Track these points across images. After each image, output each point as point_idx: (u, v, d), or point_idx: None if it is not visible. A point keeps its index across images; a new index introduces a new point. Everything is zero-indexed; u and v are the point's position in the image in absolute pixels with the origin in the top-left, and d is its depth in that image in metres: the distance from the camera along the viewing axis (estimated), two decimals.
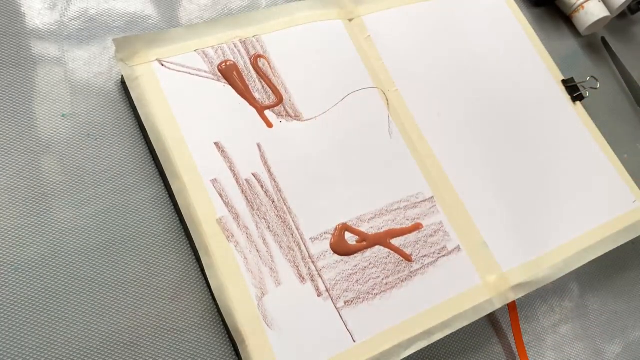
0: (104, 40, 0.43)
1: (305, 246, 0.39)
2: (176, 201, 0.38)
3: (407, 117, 0.46)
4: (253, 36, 0.44)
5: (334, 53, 0.46)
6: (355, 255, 0.40)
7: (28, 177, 0.37)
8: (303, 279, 0.38)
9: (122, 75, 0.40)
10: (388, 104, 0.46)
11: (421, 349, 0.38)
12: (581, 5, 0.57)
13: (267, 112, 0.42)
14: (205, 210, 0.38)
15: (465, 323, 0.40)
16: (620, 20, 0.63)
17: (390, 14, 0.50)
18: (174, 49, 0.42)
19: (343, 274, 0.39)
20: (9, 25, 0.41)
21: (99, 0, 0.44)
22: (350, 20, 0.48)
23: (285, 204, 0.40)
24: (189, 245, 0.39)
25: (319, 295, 0.38)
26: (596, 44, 0.60)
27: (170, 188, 0.38)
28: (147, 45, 0.41)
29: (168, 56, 0.41)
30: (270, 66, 0.44)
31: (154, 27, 0.44)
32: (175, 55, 0.42)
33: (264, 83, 0.43)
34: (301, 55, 0.45)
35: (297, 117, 0.43)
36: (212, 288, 0.36)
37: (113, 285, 0.36)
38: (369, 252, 0.40)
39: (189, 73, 0.41)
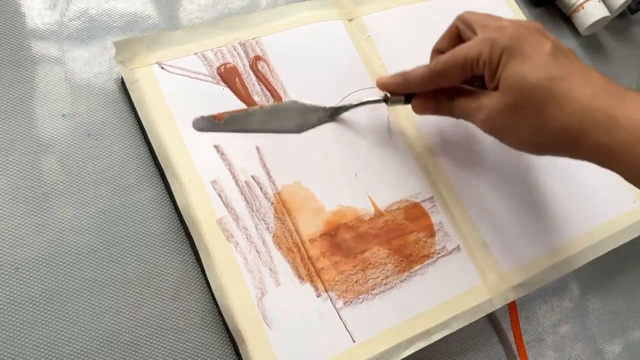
0: (104, 40, 0.43)
1: (304, 247, 0.39)
2: (176, 201, 0.38)
3: (407, 117, 0.46)
4: (252, 38, 0.44)
5: (334, 53, 0.46)
6: (355, 255, 0.40)
7: (28, 177, 0.37)
8: (302, 279, 0.38)
9: (122, 76, 0.41)
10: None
11: (421, 349, 0.38)
12: (581, 5, 0.56)
13: None
14: (205, 210, 0.38)
15: (465, 323, 0.40)
16: (620, 20, 0.63)
17: (390, 14, 0.50)
18: (174, 52, 0.42)
19: (342, 274, 0.39)
20: (9, 25, 0.41)
21: (99, 0, 0.44)
22: (350, 20, 0.48)
23: (284, 206, 0.40)
24: (189, 245, 0.39)
25: (318, 296, 0.38)
26: (596, 44, 0.60)
27: (170, 188, 0.38)
28: (147, 48, 0.41)
29: (168, 59, 0.41)
30: (269, 68, 0.44)
31: (154, 27, 0.44)
32: (175, 58, 0.42)
33: (263, 86, 0.43)
34: (301, 57, 0.45)
35: None
36: (212, 288, 0.36)
37: (113, 285, 0.36)
38: (368, 253, 0.40)
39: (189, 76, 0.41)
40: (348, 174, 0.42)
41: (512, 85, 0.34)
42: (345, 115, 0.44)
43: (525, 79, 0.34)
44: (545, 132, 0.34)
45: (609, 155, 0.33)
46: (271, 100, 0.43)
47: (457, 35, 0.40)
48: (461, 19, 0.39)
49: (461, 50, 0.36)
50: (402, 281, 0.40)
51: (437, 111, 0.40)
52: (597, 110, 0.33)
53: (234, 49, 0.43)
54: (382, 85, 0.41)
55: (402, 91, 0.40)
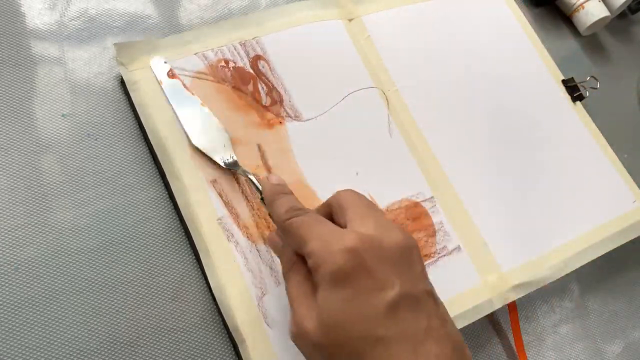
0: (104, 40, 0.43)
1: None
2: (176, 201, 0.38)
3: (407, 117, 0.46)
4: (253, 38, 0.44)
5: (334, 53, 0.46)
6: None
7: (28, 177, 0.37)
8: None
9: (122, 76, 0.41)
10: (388, 103, 0.46)
11: None
12: (581, 5, 0.57)
13: (267, 113, 0.42)
14: (205, 210, 0.38)
15: (465, 323, 0.40)
16: (620, 20, 0.63)
17: (390, 14, 0.50)
18: (174, 53, 0.42)
19: None
20: (9, 25, 0.41)
21: (99, 0, 0.44)
22: (350, 20, 0.48)
23: None
24: (189, 245, 0.39)
25: None
26: (596, 44, 0.60)
27: (170, 188, 0.38)
28: (148, 50, 0.41)
29: (168, 60, 0.41)
30: (269, 67, 0.44)
31: (154, 27, 0.44)
32: (176, 59, 0.42)
33: (263, 84, 0.43)
34: (301, 56, 0.45)
35: (297, 117, 0.43)
36: (212, 288, 0.36)
37: (113, 285, 0.36)
38: None
39: (189, 76, 0.41)
40: (349, 173, 0.42)
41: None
42: (345, 114, 0.44)
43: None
44: None
45: None
46: (272, 99, 0.43)
47: None
48: None
49: None
50: None
51: None
52: None
53: (234, 49, 0.43)
54: None
55: None
